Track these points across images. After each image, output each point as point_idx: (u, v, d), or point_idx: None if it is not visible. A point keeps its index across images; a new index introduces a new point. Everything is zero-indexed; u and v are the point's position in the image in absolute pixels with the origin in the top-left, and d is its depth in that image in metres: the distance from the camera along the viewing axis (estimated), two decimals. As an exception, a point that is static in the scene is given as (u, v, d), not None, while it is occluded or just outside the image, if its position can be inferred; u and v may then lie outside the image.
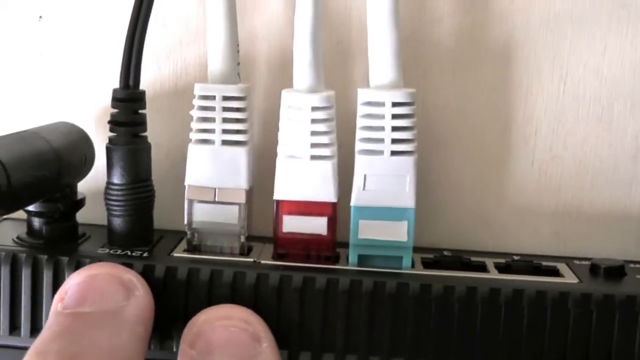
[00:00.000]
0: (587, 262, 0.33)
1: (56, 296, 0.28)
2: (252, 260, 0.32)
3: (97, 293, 0.28)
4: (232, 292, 0.30)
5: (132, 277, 0.29)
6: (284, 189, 0.32)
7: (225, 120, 0.32)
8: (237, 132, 0.32)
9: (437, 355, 0.30)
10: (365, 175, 0.31)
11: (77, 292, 0.28)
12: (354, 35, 0.33)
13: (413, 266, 0.32)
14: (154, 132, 0.33)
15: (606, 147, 0.34)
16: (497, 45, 0.34)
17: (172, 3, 0.34)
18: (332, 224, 0.32)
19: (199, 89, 0.32)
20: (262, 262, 0.32)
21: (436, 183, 0.35)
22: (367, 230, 0.32)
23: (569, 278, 0.32)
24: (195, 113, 0.32)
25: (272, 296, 0.30)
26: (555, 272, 0.33)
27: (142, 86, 0.33)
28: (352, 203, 0.31)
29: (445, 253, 0.33)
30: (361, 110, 0.31)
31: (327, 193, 0.31)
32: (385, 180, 0.31)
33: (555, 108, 0.34)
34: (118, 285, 0.28)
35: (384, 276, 0.31)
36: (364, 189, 0.31)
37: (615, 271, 0.32)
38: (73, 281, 0.28)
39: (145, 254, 0.32)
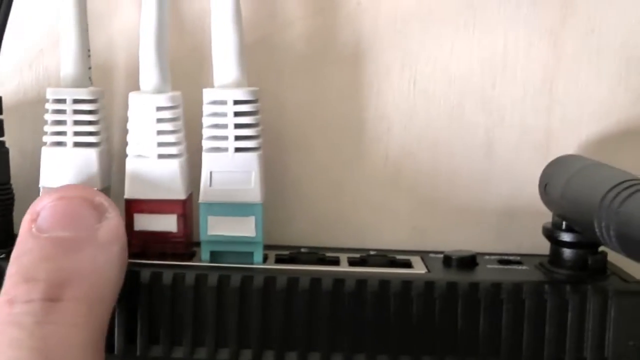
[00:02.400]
0: (441, 255, 0.34)
1: (26, 216, 0.29)
2: (105, 258, 0.32)
3: (72, 217, 0.28)
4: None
5: (102, 200, 0.29)
6: (134, 188, 0.32)
7: (76, 122, 0.33)
8: (90, 134, 0.33)
9: (283, 347, 0.31)
10: (211, 172, 0.32)
11: (51, 215, 0.28)
12: (209, 43, 0.34)
13: (266, 262, 0.33)
14: (19, 140, 0.34)
15: (459, 144, 0.35)
16: (346, 47, 0.35)
17: (33, 14, 0.35)
18: (182, 221, 0.33)
19: (50, 93, 0.33)
20: (117, 260, 0.32)
21: (294, 182, 0.36)
22: (216, 227, 0.32)
23: (419, 269, 0.33)
24: (49, 117, 0.33)
25: (121, 292, 0.31)
26: (407, 265, 0.33)
27: (7, 95, 0.34)
28: (200, 200, 0.32)
29: (303, 250, 0.34)
30: (206, 109, 0.32)
31: (175, 191, 0.32)
32: (230, 176, 0.32)
33: (406, 106, 0.35)
34: (90, 208, 0.29)
35: (230, 270, 0.31)
36: (210, 185, 0.32)
37: (467, 261, 0.33)
38: (44, 202, 0.29)
39: (3, 256, 0.32)
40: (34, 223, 0.28)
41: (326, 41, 0.35)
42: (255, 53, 0.34)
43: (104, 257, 0.28)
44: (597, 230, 0.28)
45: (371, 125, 0.35)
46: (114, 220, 0.29)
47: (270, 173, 0.35)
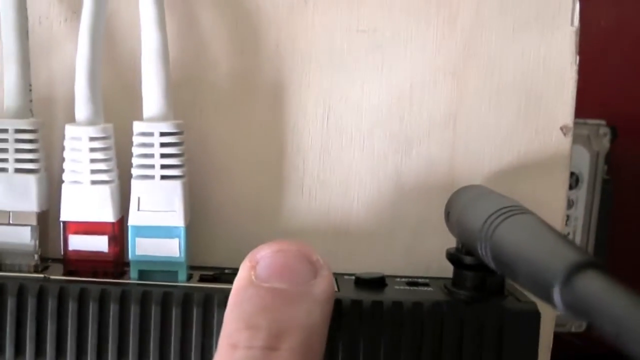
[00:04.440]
0: (353, 277, 0.37)
1: (246, 263, 0.31)
2: (42, 276, 0.35)
3: (290, 270, 0.30)
4: (18, 302, 0.34)
5: (318, 257, 0.31)
6: (69, 211, 0.35)
7: (17, 150, 0.36)
8: (30, 161, 0.36)
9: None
10: (139, 198, 0.35)
11: (270, 265, 0.31)
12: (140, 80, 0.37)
13: (190, 280, 0.36)
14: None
15: (369, 173, 0.38)
16: (266, 86, 0.38)
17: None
18: (113, 242, 0.36)
19: (-8, 124, 0.36)
20: (52, 277, 0.35)
21: (219, 207, 0.39)
22: (144, 248, 0.35)
23: (332, 289, 0.35)
24: (-9, 146, 0.36)
25: (54, 305, 0.34)
26: (322, 285, 0.36)
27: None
28: (129, 223, 0.35)
29: (227, 271, 0.37)
30: (136, 140, 0.35)
31: (106, 214, 0.35)
32: (157, 201, 0.35)
33: (320, 139, 0.38)
34: (307, 263, 0.31)
35: (153, 287, 0.34)
36: (138, 209, 0.35)
37: (376, 282, 0.36)
38: (264, 252, 0.31)
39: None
40: (253, 270, 0.31)
41: (248, 80, 0.38)
42: (182, 90, 0.37)
43: (317, 312, 0.30)
44: (480, 252, 0.32)
45: (288, 156, 0.38)
46: (327, 279, 0.31)
47: (196, 200, 0.38)
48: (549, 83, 0.38)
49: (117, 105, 0.37)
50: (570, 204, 0.57)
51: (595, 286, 0.23)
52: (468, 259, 0.35)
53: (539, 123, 0.39)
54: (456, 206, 0.36)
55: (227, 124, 0.38)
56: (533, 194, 0.38)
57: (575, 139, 0.51)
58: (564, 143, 0.39)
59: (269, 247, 0.31)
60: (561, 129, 0.39)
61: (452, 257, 0.36)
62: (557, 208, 0.39)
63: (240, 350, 0.28)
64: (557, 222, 0.39)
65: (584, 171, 0.57)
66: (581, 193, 0.57)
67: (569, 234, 0.58)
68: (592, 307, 0.23)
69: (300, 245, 0.32)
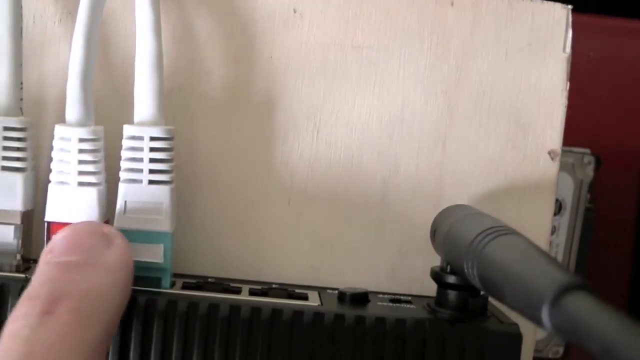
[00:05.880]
0: (337, 292, 0.37)
1: (45, 249, 0.31)
2: (23, 276, 0.35)
3: (81, 244, 0.31)
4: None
5: (110, 229, 0.32)
6: (54, 211, 0.35)
7: (5, 148, 0.35)
8: (17, 159, 0.35)
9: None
10: (125, 202, 0.35)
11: (63, 244, 0.31)
12: (131, 84, 0.36)
13: (173, 287, 0.36)
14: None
15: (357, 190, 0.38)
16: (258, 97, 0.38)
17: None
18: (97, 245, 0.35)
19: (-20, 121, 0.36)
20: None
21: (204, 217, 0.38)
22: (128, 252, 0.35)
23: (313, 302, 0.35)
24: (-22, 142, 0.36)
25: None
26: (304, 298, 0.36)
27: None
28: (114, 226, 0.35)
29: (210, 279, 0.37)
30: (125, 144, 0.35)
31: (91, 216, 0.35)
32: (143, 206, 0.35)
33: (309, 154, 0.38)
34: (99, 235, 0.32)
35: (136, 293, 0.34)
36: (124, 213, 0.35)
37: (359, 298, 0.36)
38: (59, 236, 0.32)
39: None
40: (50, 253, 0.31)
41: (240, 91, 0.38)
42: (174, 97, 0.37)
43: (108, 280, 0.30)
44: (465, 270, 0.32)
45: (276, 170, 0.38)
46: (120, 248, 0.32)
47: (181, 207, 0.37)
48: (539, 108, 0.39)
49: (108, 108, 0.37)
50: (552, 230, 0.58)
51: (583, 307, 0.23)
52: (452, 278, 0.35)
53: (528, 147, 0.39)
54: (443, 225, 0.36)
55: (217, 133, 0.38)
56: (518, 217, 0.39)
57: (560, 167, 0.52)
58: (551, 168, 0.39)
59: (63, 231, 0.32)
60: (549, 153, 0.39)
61: (436, 275, 0.36)
62: (542, 232, 0.39)
63: (18, 321, 0.28)
64: (541, 246, 0.39)
65: (567, 198, 0.57)
66: (564, 220, 0.58)
67: (549, 260, 0.58)
68: (581, 328, 0.23)
69: (91, 222, 0.33)
